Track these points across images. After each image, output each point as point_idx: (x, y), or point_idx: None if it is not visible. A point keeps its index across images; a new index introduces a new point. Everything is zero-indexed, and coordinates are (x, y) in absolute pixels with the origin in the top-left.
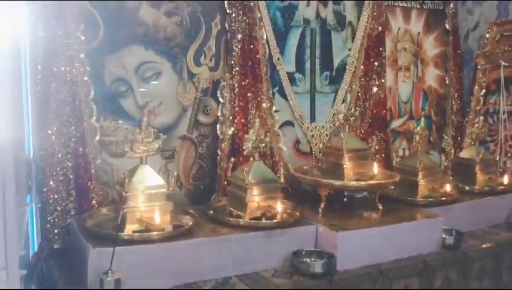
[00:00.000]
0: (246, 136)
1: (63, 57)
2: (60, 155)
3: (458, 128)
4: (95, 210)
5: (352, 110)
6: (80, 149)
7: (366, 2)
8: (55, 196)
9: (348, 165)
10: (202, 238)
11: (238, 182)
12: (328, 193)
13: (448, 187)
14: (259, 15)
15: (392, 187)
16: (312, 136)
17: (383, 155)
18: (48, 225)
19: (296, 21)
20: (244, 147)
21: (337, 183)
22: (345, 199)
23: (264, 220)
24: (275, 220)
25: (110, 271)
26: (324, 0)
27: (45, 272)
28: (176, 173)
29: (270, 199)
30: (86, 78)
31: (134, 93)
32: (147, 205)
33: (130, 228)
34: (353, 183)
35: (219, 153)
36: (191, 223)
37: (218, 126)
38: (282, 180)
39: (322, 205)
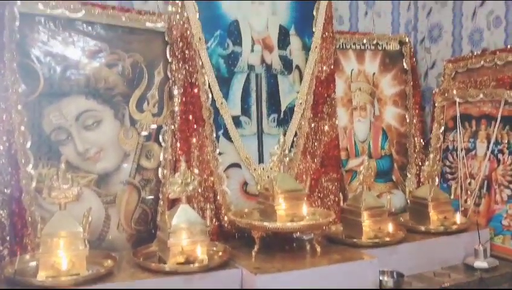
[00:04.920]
0: (170, 179)
1: (0, 109)
2: None
3: (422, 166)
4: (17, 257)
5: (286, 152)
6: (15, 196)
7: (312, 46)
8: None
9: (280, 206)
10: (115, 283)
11: (163, 226)
12: (260, 235)
13: (394, 227)
14: (200, 63)
15: (342, 229)
16: (260, 177)
17: (335, 195)
18: None
19: (240, 67)
20: (169, 191)
21: (268, 225)
22: (294, 242)
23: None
24: (196, 265)
25: None
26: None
27: None
28: (90, 218)
29: (195, 243)
30: (23, 128)
31: (74, 140)
32: (61, 251)
33: (43, 274)
34: (286, 224)
35: (160, 197)
36: (110, 267)
37: (159, 170)
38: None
39: (256, 248)
